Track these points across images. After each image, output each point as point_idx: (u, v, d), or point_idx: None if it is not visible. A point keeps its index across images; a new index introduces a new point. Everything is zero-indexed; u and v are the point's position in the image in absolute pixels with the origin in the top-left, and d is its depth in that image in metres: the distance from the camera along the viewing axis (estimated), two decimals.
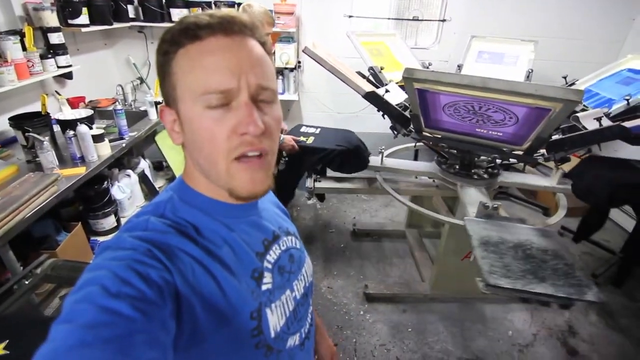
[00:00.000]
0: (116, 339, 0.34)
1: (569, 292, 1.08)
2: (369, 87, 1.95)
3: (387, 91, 1.99)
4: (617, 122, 1.66)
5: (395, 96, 2.10)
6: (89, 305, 0.36)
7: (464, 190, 1.91)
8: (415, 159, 3.20)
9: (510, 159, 2.02)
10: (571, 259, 1.27)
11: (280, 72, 3.14)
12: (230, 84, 0.44)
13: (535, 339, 1.99)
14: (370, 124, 3.43)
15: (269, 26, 1.88)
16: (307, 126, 2.40)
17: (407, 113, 1.99)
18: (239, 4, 2.67)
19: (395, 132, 2.25)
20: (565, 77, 2.50)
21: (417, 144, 2.45)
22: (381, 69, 2.37)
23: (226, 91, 0.45)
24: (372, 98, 1.90)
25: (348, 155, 2.09)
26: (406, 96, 2.18)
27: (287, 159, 2.16)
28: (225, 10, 0.48)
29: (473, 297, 2.22)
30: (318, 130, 2.33)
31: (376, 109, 2.05)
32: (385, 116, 2.16)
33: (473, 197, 1.83)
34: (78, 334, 0.33)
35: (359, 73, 2.33)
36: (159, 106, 0.49)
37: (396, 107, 1.99)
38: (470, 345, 1.94)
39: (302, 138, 2.17)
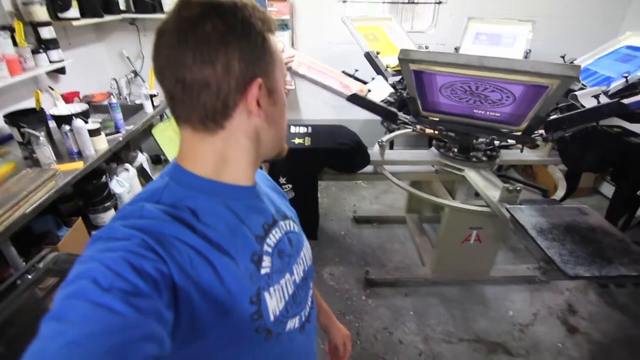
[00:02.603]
0: (108, 338, 0.33)
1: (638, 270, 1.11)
2: (355, 87, 1.94)
3: (369, 91, 1.97)
4: (616, 99, 1.65)
5: (379, 93, 2.09)
6: (80, 302, 0.34)
7: (473, 175, 1.90)
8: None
9: (509, 140, 2.02)
10: (619, 233, 1.30)
11: None
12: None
13: (536, 319, 2.02)
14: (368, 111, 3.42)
15: None
16: (295, 126, 2.24)
17: (392, 108, 1.99)
18: None
19: (385, 126, 2.24)
20: (563, 57, 2.47)
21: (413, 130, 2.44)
22: (377, 53, 2.35)
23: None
24: (356, 100, 1.90)
25: (353, 153, 2.01)
26: (391, 90, 2.17)
27: (289, 184, 1.96)
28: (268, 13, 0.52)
29: (474, 279, 2.23)
30: (310, 129, 2.20)
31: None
32: None
33: (486, 181, 1.83)
34: (67, 333, 0.32)
35: (345, 72, 2.30)
36: (254, 80, 0.48)
37: (382, 104, 1.98)
38: (471, 326, 1.97)
39: (297, 140, 1.99)
